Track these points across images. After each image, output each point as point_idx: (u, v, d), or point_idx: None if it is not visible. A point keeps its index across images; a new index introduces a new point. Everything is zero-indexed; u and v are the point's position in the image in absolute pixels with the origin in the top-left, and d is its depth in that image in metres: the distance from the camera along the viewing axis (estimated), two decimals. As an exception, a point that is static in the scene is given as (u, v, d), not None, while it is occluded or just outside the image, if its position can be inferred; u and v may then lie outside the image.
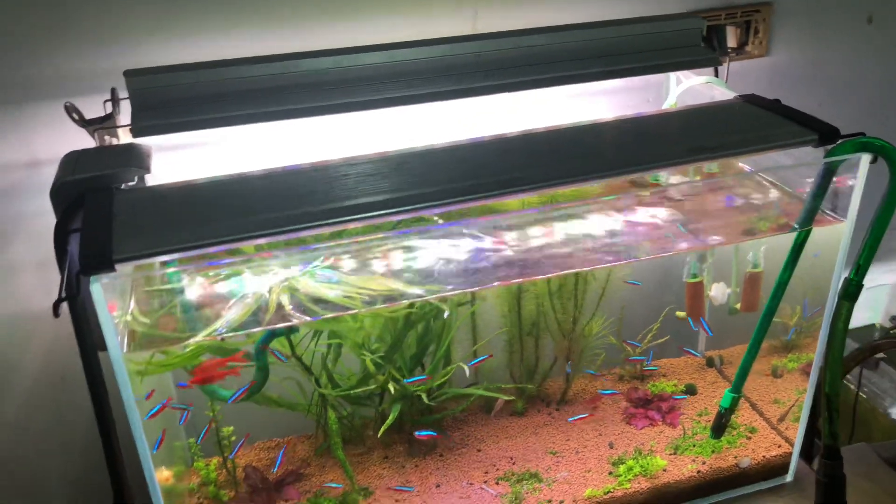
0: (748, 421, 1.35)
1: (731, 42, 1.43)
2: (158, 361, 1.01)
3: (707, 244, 1.23)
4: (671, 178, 1.25)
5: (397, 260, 1.01)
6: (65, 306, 0.81)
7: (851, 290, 1.08)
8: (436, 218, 1.02)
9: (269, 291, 0.96)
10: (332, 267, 0.98)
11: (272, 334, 1.07)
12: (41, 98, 1.12)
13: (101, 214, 0.87)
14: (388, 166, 1.00)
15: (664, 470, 1.26)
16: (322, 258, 0.98)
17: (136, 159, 0.98)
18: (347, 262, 0.99)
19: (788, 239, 1.14)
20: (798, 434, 1.27)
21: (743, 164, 1.20)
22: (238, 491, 1.24)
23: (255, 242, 0.90)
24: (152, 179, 1.02)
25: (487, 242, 1.04)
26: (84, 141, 1.07)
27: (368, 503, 1.22)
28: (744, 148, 1.04)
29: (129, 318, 0.92)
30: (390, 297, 0.99)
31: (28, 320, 1.22)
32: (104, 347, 0.85)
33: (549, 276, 1.26)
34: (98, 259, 0.79)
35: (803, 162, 1.08)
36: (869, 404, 1.73)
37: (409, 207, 0.91)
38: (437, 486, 1.24)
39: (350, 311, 0.97)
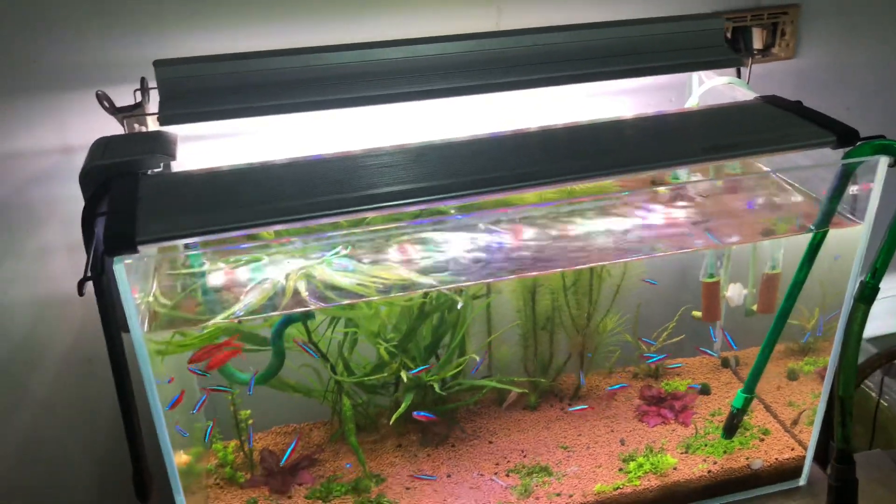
0: (762, 423, 1.35)
1: (757, 44, 1.42)
2: (178, 342, 1.04)
3: (722, 244, 1.23)
4: (691, 177, 1.25)
5: (413, 250, 1.03)
6: (90, 288, 0.84)
7: (867, 293, 1.07)
8: (452, 210, 1.04)
9: (287, 278, 0.98)
10: (350, 256, 1.01)
11: (288, 320, 1.10)
12: (75, 86, 1.16)
13: (126, 198, 0.90)
14: (406, 158, 1.02)
15: (675, 468, 1.26)
16: (341, 247, 1.00)
17: (162, 146, 1.01)
18: (364, 252, 1.02)
19: (807, 240, 1.13)
20: (811, 437, 1.27)
21: (764, 165, 1.20)
22: (254, 473, 1.27)
23: (273, 228, 0.92)
24: (179, 167, 1.05)
25: (502, 235, 1.05)
26: (114, 128, 1.11)
27: (381, 490, 1.24)
28: (760, 148, 1.04)
29: (150, 299, 0.96)
30: (404, 287, 1.01)
31: (58, 303, 1.26)
32: (127, 329, 0.88)
33: (563, 270, 1.28)
34: (121, 240, 0.82)
35: (825, 164, 1.08)
36: (890, 412, 1.71)
37: (424, 198, 0.92)
38: (448, 475, 1.26)
39: (363, 299, 0.99)
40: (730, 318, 1.44)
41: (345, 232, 0.99)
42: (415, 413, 1.25)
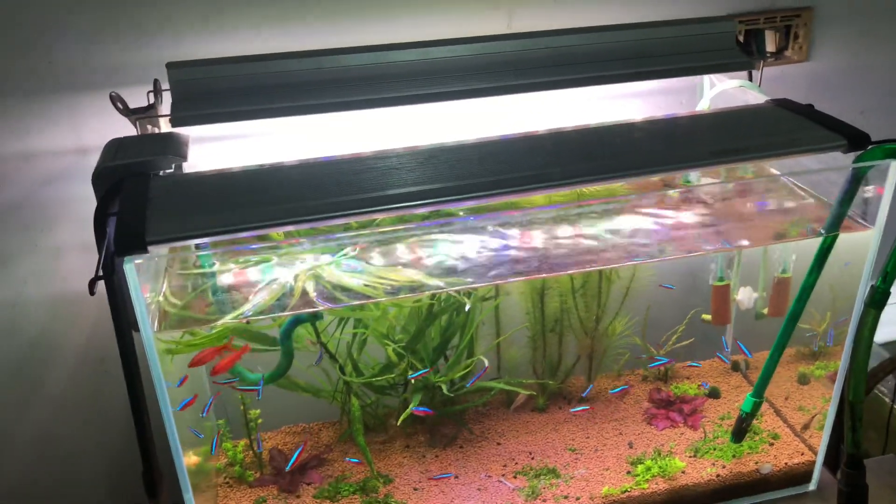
0: (771, 427, 1.35)
1: (770, 46, 1.42)
2: (187, 341, 1.05)
3: (732, 247, 1.23)
4: (701, 180, 1.25)
5: (422, 252, 1.04)
6: (102, 287, 0.85)
7: (878, 298, 1.07)
8: (461, 212, 1.04)
9: (295, 278, 0.99)
10: (358, 257, 1.01)
11: (297, 320, 1.10)
12: (89, 88, 1.17)
13: (137, 199, 0.91)
14: (416, 160, 1.02)
15: (683, 472, 1.26)
16: (350, 248, 1.01)
17: (173, 147, 1.02)
18: (373, 253, 1.02)
19: (817, 244, 1.13)
20: (822, 442, 1.26)
21: (775, 169, 1.20)
22: (263, 472, 1.28)
23: (283, 229, 0.93)
24: (190, 168, 1.06)
25: (511, 238, 1.05)
26: (128, 129, 1.12)
27: (388, 490, 1.24)
28: (770, 151, 1.04)
29: (161, 299, 0.97)
30: (412, 288, 1.01)
31: (72, 302, 1.28)
32: (138, 328, 0.90)
33: (572, 272, 1.28)
34: (132, 240, 0.83)
35: (836, 167, 1.08)
36: (904, 417, 1.69)
37: (433, 200, 0.93)
38: (456, 476, 1.26)
39: (371, 300, 1.00)
40: (740, 322, 1.44)
41: (353, 233, 1.00)
42: (413, 409, 1.25)
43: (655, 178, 1.20)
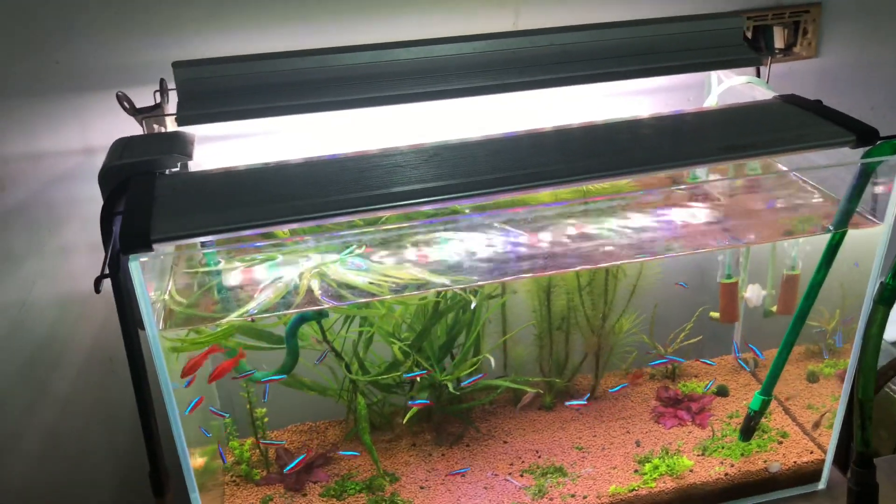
0: (780, 425, 1.34)
1: (779, 42, 1.40)
2: (192, 339, 1.05)
3: (740, 244, 1.22)
4: (709, 176, 1.25)
5: (427, 249, 1.03)
6: (108, 286, 0.86)
7: (887, 295, 1.06)
8: (466, 210, 1.04)
9: (300, 276, 0.99)
10: (363, 255, 1.01)
11: (302, 318, 1.11)
12: (96, 87, 1.17)
13: (143, 197, 0.92)
14: (421, 158, 1.02)
15: (691, 470, 1.25)
16: (356, 245, 1.01)
17: (179, 146, 1.03)
18: (378, 250, 1.02)
19: (825, 241, 1.12)
20: (831, 440, 1.25)
21: (784, 165, 1.19)
22: (269, 471, 1.28)
23: (286, 227, 0.93)
24: (196, 167, 1.07)
25: (517, 235, 1.05)
26: (134, 129, 1.12)
27: (394, 489, 1.24)
28: (778, 147, 1.03)
29: (166, 297, 0.97)
30: (417, 286, 1.01)
31: (79, 301, 1.29)
32: (144, 327, 0.90)
33: (578, 269, 1.27)
34: (137, 239, 0.84)
35: (844, 163, 1.07)
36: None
37: (438, 198, 0.93)
38: (467, 472, 1.26)
39: (375, 298, 1.00)
40: (748, 320, 1.43)
41: (358, 231, 1.00)
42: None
43: (662, 175, 1.19)
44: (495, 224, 1.05)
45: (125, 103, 1.10)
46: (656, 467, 1.25)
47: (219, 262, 1.00)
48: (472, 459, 1.29)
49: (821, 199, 1.14)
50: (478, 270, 1.02)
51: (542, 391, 1.39)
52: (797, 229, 1.15)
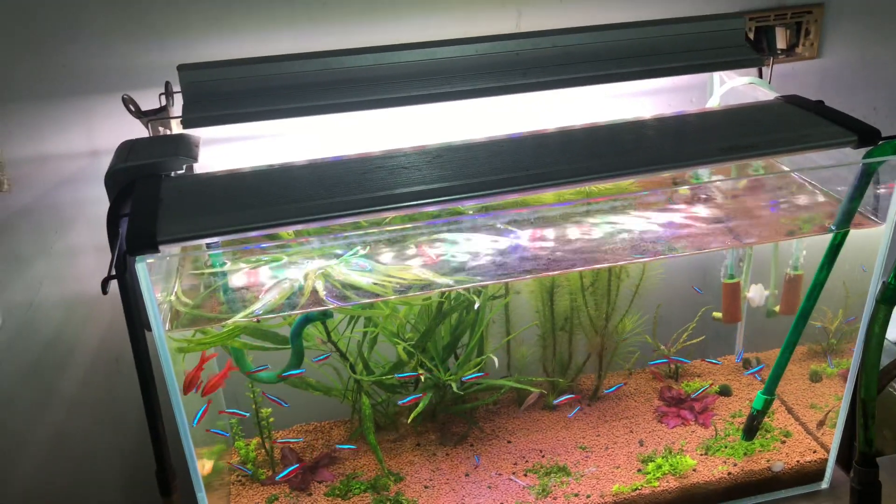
0: (783, 425, 1.34)
1: (781, 43, 1.41)
2: (198, 339, 1.06)
3: (741, 244, 1.22)
4: (713, 177, 1.25)
5: (431, 250, 1.04)
6: (115, 287, 0.86)
7: (889, 294, 1.06)
8: (469, 211, 1.05)
9: (305, 277, 1.00)
10: (367, 256, 1.02)
11: (307, 319, 1.11)
12: (102, 90, 1.18)
13: (149, 199, 0.93)
14: (425, 159, 1.03)
15: (694, 470, 1.25)
16: (359, 246, 1.01)
17: (184, 149, 1.03)
18: (382, 251, 1.03)
19: (827, 241, 1.12)
20: (834, 440, 1.25)
21: (786, 165, 1.20)
22: (275, 471, 1.29)
23: (292, 228, 0.94)
24: (201, 169, 1.07)
25: (520, 236, 1.06)
26: (140, 131, 1.13)
27: (399, 488, 1.25)
28: (780, 148, 1.04)
29: (172, 298, 0.98)
30: (421, 287, 1.02)
31: (86, 302, 1.29)
32: (150, 327, 0.91)
33: (581, 269, 1.28)
34: (143, 240, 0.85)
35: (846, 163, 1.07)
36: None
37: (442, 199, 0.93)
38: (466, 474, 1.27)
39: (379, 299, 1.01)
40: (751, 320, 1.43)
41: (362, 232, 1.00)
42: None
43: (665, 176, 1.20)
44: (499, 225, 1.05)
45: (131, 106, 1.11)
46: (659, 467, 1.25)
47: (224, 263, 1.01)
48: (478, 462, 1.30)
49: (822, 200, 1.14)
50: (481, 270, 1.03)
51: (545, 391, 1.39)
52: (800, 229, 1.15)
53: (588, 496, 1.22)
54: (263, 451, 1.31)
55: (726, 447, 1.29)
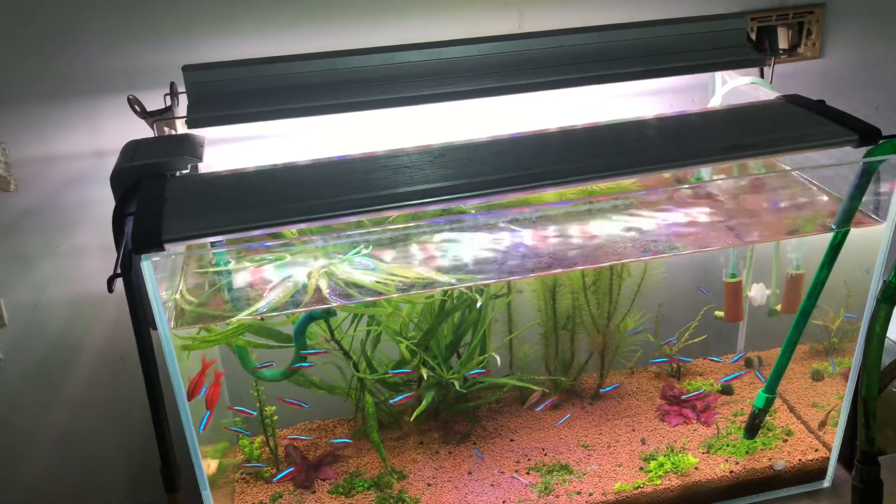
0: (785, 423, 1.34)
1: (783, 43, 1.41)
2: (202, 337, 1.07)
3: (741, 242, 1.23)
4: (714, 176, 1.25)
5: (433, 249, 1.05)
6: (120, 286, 0.87)
7: (889, 293, 1.06)
8: (472, 210, 1.05)
9: (308, 275, 1.01)
10: (370, 255, 1.03)
11: (310, 317, 1.12)
12: (107, 91, 1.19)
13: (154, 199, 0.94)
14: (428, 158, 1.03)
15: (696, 468, 1.26)
16: (362, 245, 1.02)
17: (189, 149, 1.04)
18: (385, 250, 1.04)
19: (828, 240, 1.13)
20: (836, 439, 1.26)
21: (787, 164, 1.20)
22: (279, 468, 1.29)
23: (295, 227, 0.95)
24: (206, 169, 1.08)
25: (522, 234, 1.06)
26: (145, 131, 1.14)
27: (402, 486, 1.26)
28: (780, 147, 1.04)
29: (177, 296, 0.99)
30: (424, 285, 1.02)
31: (92, 302, 1.30)
32: (156, 326, 0.92)
33: (583, 268, 1.28)
34: (148, 239, 0.85)
35: (847, 162, 1.08)
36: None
37: (444, 197, 0.94)
38: (469, 472, 1.27)
39: (382, 297, 1.01)
40: (753, 319, 1.44)
41: (365, 230, 1.01)
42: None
43: (667, 175, 1.20)
44: (501, 223, 1.06)
45: (136, 107, 1.12)
46: (661, 465, 1.26)
47: (229, 261, 1.02)
48: (480, 458, 1.30)
49: (823, 198, 1.15)
50: (483, 269, 1.04)
51: (547, 390, 1.40)
52: (801, 228, 1.16)
53: (590, 494, 1.23)
54: (268, 449, 1.32)
55: (728, 445, 1.29)
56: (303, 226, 0.93)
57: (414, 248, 1.05)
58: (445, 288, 1.13)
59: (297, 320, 1.13)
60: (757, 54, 1.24)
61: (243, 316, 0.99)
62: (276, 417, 1.29)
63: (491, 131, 1.12)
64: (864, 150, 1.03)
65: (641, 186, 1.15)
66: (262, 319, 1.10)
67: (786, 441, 1.31)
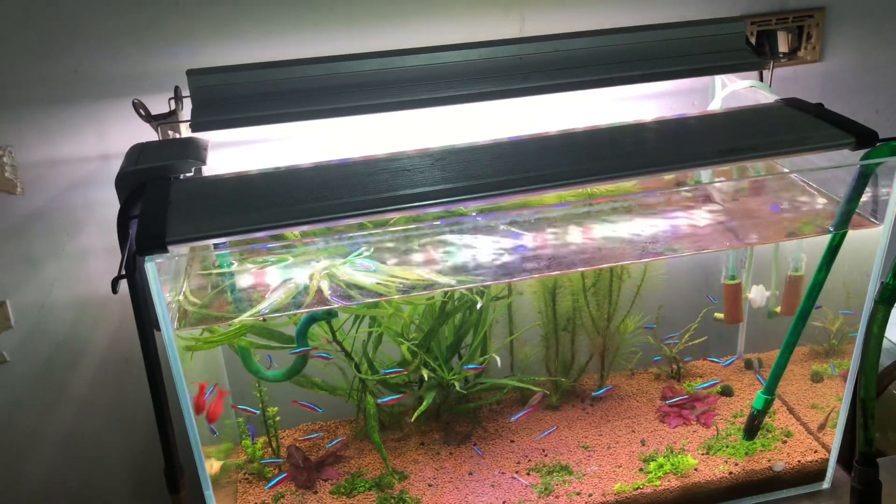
0: (784, 425, 1.35)
1: (783, 47, 1.42)
2: (205, 338, 1.08)
3: (740, 244, 1.23)
4: (715, 179, 1.26)
5: (434, 251, 1.06)
6: (125, 288, 0.88)
7: (887, 295, 1.07)
8: (472, 212, 1.06)
9: (310, 277, 1.02)
10: (371, 256, 1.04)
11: (312, 319, 1.13)
12: (113, 95, 1.20)
13: (158, 201, 0.95)
14: (428, 162, 1.04)
15: (695, 469, 1.26)
16: (364, 247, 1.03)
17: (193, 152, 1.06)
18: (386, 252, 1.05)
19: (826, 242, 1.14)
20: (835, 440, 1.26)
21: (786, 167, 1.21)
22: (281, 469, 1.30)
23: (297, 229, 0.96)
24: (209, 172, 1.09)
25: (522, 236, 1.07)
26: (150, 135, 1.15)
27: (403, 486, 1.26)
28: (779, 150, 1.05)
29: (181, 297, 1.00)
30: (424, 287, 1.03)
31: (97, 304, 1.32)
32: (159, 327, 0.93)
33: (583, 270, 1.29)
34: (152, 241, 0.87)
35: (844, 165, 1.08)
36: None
37: (445, 200, 0.95)
38: (470, 473, 1.28)
39: (383, 298, 1.02)
40: (752, 321, 1.44)
41: (367, 232, 1.02)
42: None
43: (666, 178, 1.21)
44: (501, 226, 1.07)
45: (141, 110, 1.13)
46: (661, 466, 1.26)
47: (231, 263, 1.03)
48: (480, 458, 1.31)
49: (822, 201, 1.15)
50: (484, 271, 1.05)
51: (548, 391, 1.41)
52: (799, 231, 1.16)
53: (590, 495, 1.23)
54: (270, 449, 1.33)
55: (728, 447, 1.30)
56: (305, 228, 0.94)
57: (416, 250, 1.06)
58: (446, 289, 1.14)
59: (298, 321, 1.14)
60: (756, 58, 1.25)
61: (246, 317, 1.00)
62: (278, 418, 1.30)
63: (491, 134, 1.13)
64: (861, 152, 1.04)
65: (641, 188, 1.16)
66: (265, 320, 1.11)
67: (785, 442, 1.32)
